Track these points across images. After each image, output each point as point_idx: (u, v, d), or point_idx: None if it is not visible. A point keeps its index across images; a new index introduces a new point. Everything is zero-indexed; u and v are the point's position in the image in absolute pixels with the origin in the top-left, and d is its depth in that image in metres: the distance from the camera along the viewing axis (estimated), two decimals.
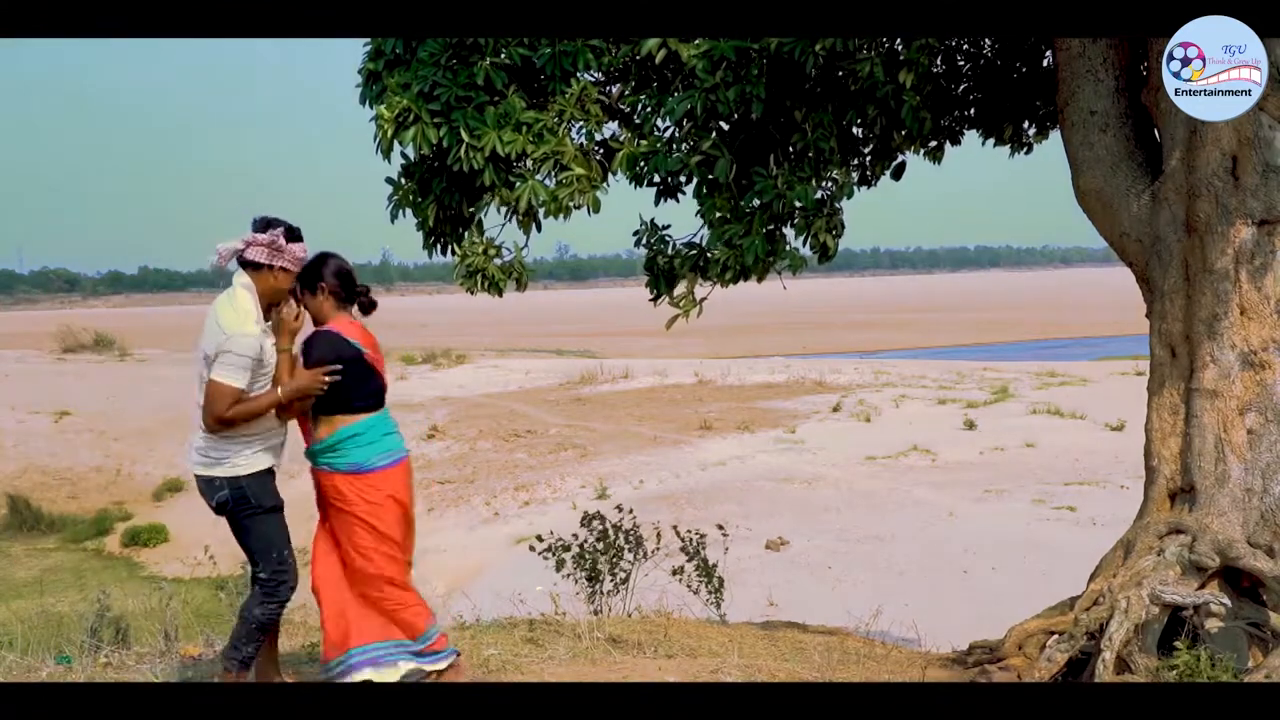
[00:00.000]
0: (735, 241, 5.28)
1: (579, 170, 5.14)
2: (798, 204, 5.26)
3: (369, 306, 4.25)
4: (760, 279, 5.58)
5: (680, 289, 5.63)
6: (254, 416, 4.04)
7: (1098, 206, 5.39)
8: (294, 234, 4.11)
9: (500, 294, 5.57)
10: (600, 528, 6.97)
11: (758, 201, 5.26)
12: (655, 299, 5.75)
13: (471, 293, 5.58)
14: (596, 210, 5.28)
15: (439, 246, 5.81)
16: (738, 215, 5.32)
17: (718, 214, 5.32)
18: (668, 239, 5.71)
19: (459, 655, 4.37)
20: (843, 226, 5.63)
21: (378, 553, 4.15)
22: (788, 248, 5.44)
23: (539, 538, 7.17)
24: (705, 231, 5.52)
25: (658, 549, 6.99)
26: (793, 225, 5.48)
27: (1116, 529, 5.57)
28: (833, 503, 15.88)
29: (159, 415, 25.76)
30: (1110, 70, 5.27)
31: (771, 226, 5.35)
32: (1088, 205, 5.44)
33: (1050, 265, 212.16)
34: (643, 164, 5.31)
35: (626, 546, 6.89)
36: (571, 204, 5.18)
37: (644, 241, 5.73)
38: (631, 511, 7.30)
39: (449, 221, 5.70)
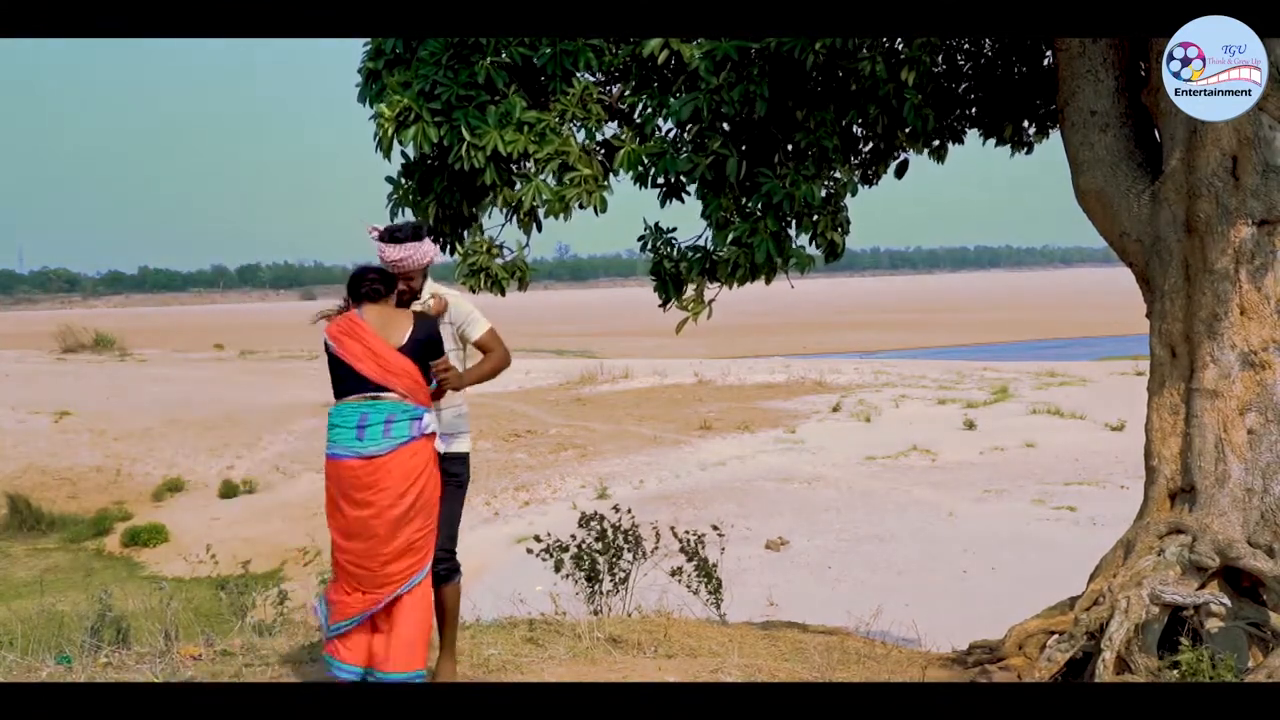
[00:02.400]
0: (744, 241, 5.28)
1: (585, 170, 5.14)
2: (804, 202, 5.25)
3: (372, 295, 4.23)
4: (769, 279, 5.58)
5: (689, 292, 5.64)
6: None
7: (1098, 206, 5.39)
8: (382, 235, 4.28)
9: (503, 293, 5.58)
10: (598, 528, 6.96)
11: (763, 202, 5.26)
12: (664, 304, 5.75)
13: (474, 291, 5.59)
14: (604, 210, 5.28)
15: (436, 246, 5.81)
16: (743, 215, 5.32)
17: (723, 214, 5.32)
18: (673, 241, 5.71)
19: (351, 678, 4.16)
20: (849, 224, 5.63)
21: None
22: (795, 246, 5.44)
23: (536, 538, 7.16)
24: (709, 233, 5.52)
25: (656, 548, 6.98)
26: (799, 225, 5.47)
27: (1116, 529, 5.57)
28: (833, 503, 15.88)
29: (159, 415, 25.76)
30: (1110, 70, 5.27)
31: (779, 227, 5.35)
32: (1088, 205, 5.44)
33: (1050, 265, 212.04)
34: (646, 164, 5.31)
35: (626, 546, 6.89)
36: (578, 204, 5.18)
37: (649, 246, 5.73)
38: (630, 511, 7.29)
39: (449, 221, 5.71)
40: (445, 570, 4.29)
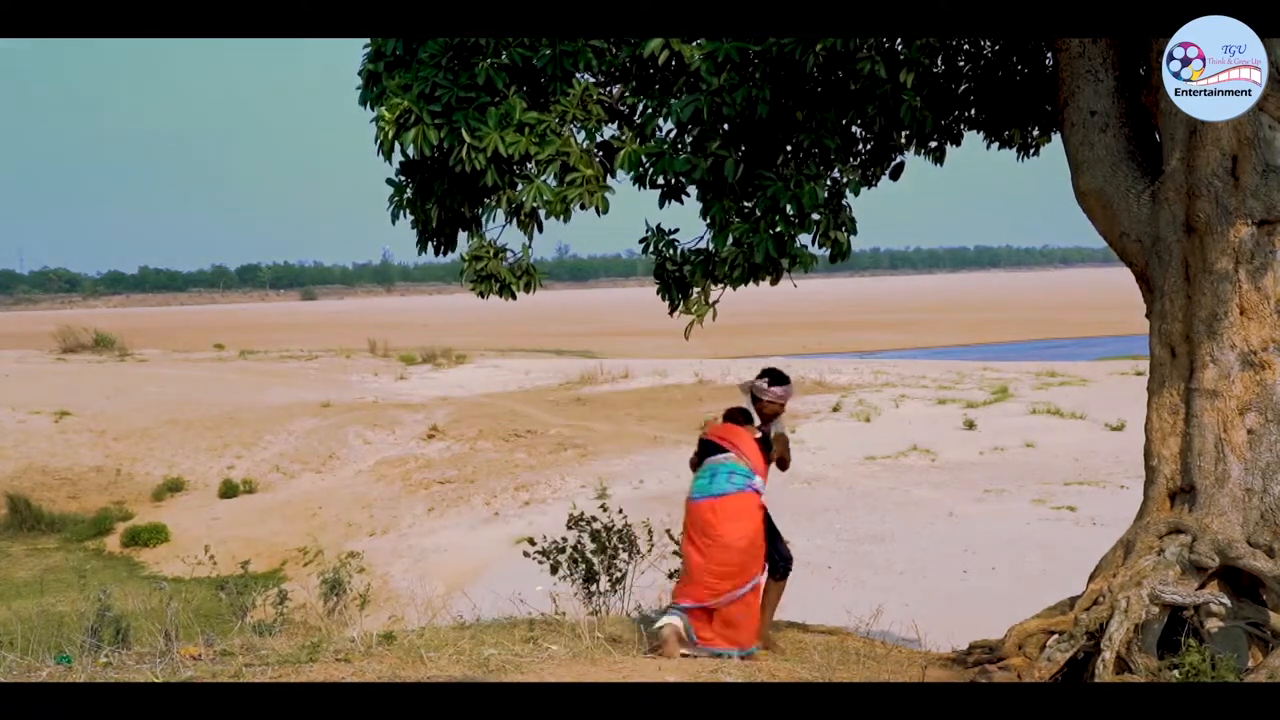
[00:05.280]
0: (744, 240, 5.27)
1: (586, 171, 5.13)
2: (806, 203, 5.25)
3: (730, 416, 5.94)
4: (774, 280, 5.58)
5: (693, 294, 5.64)
6: None
7: (1098, 206, 5.39)
8: (774, 379, 5.84)
9: (514, 297, 5.57)
10: (591, 528, 6.96)
11: (766, 204, 5.25)
12: (672, 309, 5.75)
13: (483, 296, 5.56)
14: (605, 211, 5.27)
15: (432, 246, 5.81)
16: (744, 216, 5.31)
17: (724, 215, 5.31)
18: (675, 243, 5.70)
19: (673, 623, 5.52)
20: (854, 223, 5.62)
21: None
22: (798, 246, 5.43)
23: (531, 540, 7.15)
24: (710, 235, 5.51)
25: (652, 548, 6.99)
26: (803, 224, 5.46)
27: (1116, 529, 5.57)
28: (833, 503, 15.87)
29: (159, 415, 25.74)
30: (1110, 70, 5.27)
31: (780, 227, 5.34)
32: (1088, 205, 5.44)
33: (1050, 265, 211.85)
34: (645, 164, 5.30)
35: (621, 547, 6.88)
36: (578, 205, 5.18)
37: (651, 248, 5.72)
38: (621, 511, 7.29)
39: (449, 222, 5.70)
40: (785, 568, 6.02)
